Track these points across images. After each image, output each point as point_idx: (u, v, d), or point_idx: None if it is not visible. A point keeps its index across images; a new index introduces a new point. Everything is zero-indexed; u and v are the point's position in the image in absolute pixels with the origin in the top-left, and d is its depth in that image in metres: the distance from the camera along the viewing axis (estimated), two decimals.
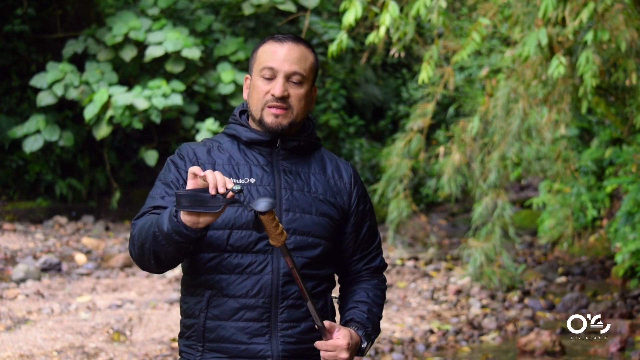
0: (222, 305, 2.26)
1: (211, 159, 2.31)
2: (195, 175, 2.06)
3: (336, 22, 12.31)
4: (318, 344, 2.25)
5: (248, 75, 2.40)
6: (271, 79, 2.30)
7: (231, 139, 2.38)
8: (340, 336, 2.25)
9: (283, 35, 2.35)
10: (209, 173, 2.04)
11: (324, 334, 2.24)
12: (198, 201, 2.03)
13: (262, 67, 2.31)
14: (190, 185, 2.07)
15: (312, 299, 2.20)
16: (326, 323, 2.25)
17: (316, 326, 2.24)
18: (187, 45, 10.38)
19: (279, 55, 2.30)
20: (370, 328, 2.35)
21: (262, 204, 2.04)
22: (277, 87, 2.28)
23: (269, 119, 2.30)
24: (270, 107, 2.30)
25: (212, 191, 2.03)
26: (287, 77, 2.30)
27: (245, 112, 2.41)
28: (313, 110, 14.01)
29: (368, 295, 2.42)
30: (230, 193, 2.04)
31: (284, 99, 2.29)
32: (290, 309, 2.27)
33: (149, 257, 2.18)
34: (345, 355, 2.24)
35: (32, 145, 10.52)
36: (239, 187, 2.04)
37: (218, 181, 2.03)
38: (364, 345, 2.32)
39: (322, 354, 2.25)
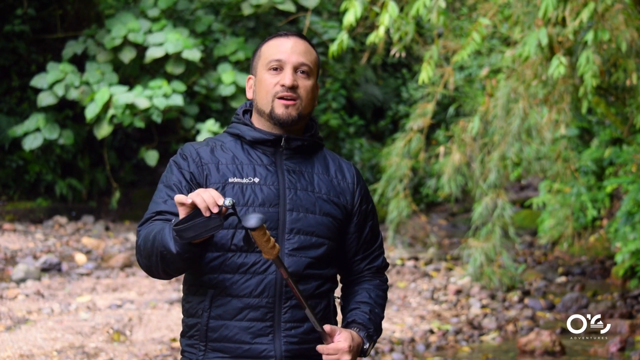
0: (225, 305, 2.26)
1: (215, 159, 2.31)
2: (182, 204, 2.07)
3: (336, 22, 12.32)
4: (320, 348, 2.26)
5: (251, 76, 2.40)
6: (279, 70, 2.31)
7: (234, 138, 2.37)
8: (342, 339, 2.25)
9: (286, 32, 2.38)
10: (194, 197, 2.04)
11: (324, 338, 2.25)
12: (199, 227, 2.05)
13: (269, 61, 2.32)
14: (182, 213, 2.07)
15: (309, 306, 2.21)
16: (326, 327, 2.25)
17: (317, 331, 2.25)
18: (187, 46, 10.39)
19: (286, 48, 2.32)
20: (372, 329, 2.36)
21: (252, 221, 2.03)
22: (287, 77, 2.29)
23: (279, 110, 2.30)
24: (280, 97, 2.30)
25: (205, 214, 2.03)
26: (295, 69, 2.31)
27: (248, 111, 2.41)
28: (313, 111, 14.06)
29: (370, 296, 2.42)
30: (224, 209, 2.05)
31: (293, 88, 2.30)
32: (293, 309, 2.26)
33: (157, 268, 2.21)
34: (347, 357, 2.25)
35: (31, 143, 10.52)
36: (229, 202, 2.04)
37: (207, 202, 2.04)
38: (366, 346, 2.32)
39: (324, 357, 2.25)
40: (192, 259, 2.13)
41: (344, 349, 2.24)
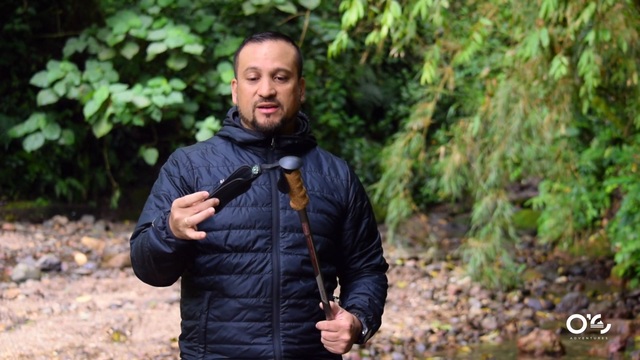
0: (223, 306, 2.26)
1: (205, 162, 2.32)
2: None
3: (336, 22, 12.31)
4: (320, 324, 2.23)
5: (234, 80, 2.40)
6: (256, 79, 2.30)
7: (225, 140, 2.38)
8: (344, 317, 2.23)
9: (261, 34, 2.35)
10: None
11: (327, 313, 2.22)
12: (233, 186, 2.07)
13: (245, 69, 2.31)
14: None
15: (322, 274, 2.19)
16: (330, 303, 2.23)
17: (321, 304, 2.22)
18: (188, 41, 10.37)
19: (260, 54, 2.30)
20: (371, 316, 2.33)
21: (288, 162, 2.04)
22: (263, 87, 2.28)
23: (261, 119, 2.30)
24: (260, 107, 2.30)
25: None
26: (272, 75, 2.30)
27: (238, 113, 2.42)
28: (312, 111, 13.95)
29: (369, 289, 2.41)
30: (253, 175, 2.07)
31: (271, 97, 2.29)
32: (291, 308, 2.26)
33: (154, 274, 2.23)
34: (347, 336, 2.22)
35: (32, 143, 10.52)
36: (256, 170, 2.07)
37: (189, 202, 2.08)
38: (364, 331, 2.29)
39: (323, 334, 2.23)
40: (183, 256, 2.17)
41: (345, 327, 2.22)
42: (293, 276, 2.26)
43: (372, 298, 2.38)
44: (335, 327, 2.21)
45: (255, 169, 2.06)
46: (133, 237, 2.27)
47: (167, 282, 2.27)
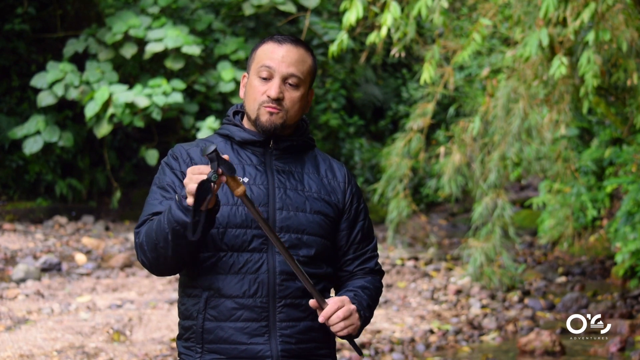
0: (219, 306, 2.26)
1: (205, 159, 2.31)
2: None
3: (336, 22, 12.31)
4: (323, 314, 2.22)
5: (245, 74, 2.41)
6: (268, 79, 2.31)
7: (224, 139, 2.39)
8: (335, 298, 2.26)
9: (283, 36, 2.36)
10: (190, 186, 2.08)
11: (319, 300, 2.22)
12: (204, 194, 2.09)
13: (259, 66, 2.32)
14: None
15: (300, 266, 2.20)
16: (312, 301, 2.23)
17: (311, 301, 2.22)
18: (187, 42, 10.37)
19: (277, 56, 2.31)
20: (356, 302, 2.31)
21: (211, 147, 2.05)
22: (273, 89, 2.29)
23: (264, 117, 2.31)
24: (265, 107, 2.31)
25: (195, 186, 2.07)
26: (284, 79, 2.30)
27: (239, 112, 2.43)
28: (312, 111, 13.92)
29: (356, 285, 2.39)
30: (207, 157, 2.07)
31: (278, 100, 2.30)
32: (288, 308, 2.27)
33: (165, 256, 2.19)
34: (351, 305, 2.24)
35: (31, 146, 10.51)
36: (212, 149, 2.06)
37: (195, 173, 2.08)
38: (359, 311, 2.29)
39: (332, 319, 2.21)
40: (205, 228, 2.14)
41: (344, 299, 2.24)
42: (289, 276, 2.26)
43: (357, 293, 2.35)
44: (341, 302, 2.22)
45: (211, 149, 2.06)
46: (138, 227, 2.27)
47: (175, 269, 2.25)
